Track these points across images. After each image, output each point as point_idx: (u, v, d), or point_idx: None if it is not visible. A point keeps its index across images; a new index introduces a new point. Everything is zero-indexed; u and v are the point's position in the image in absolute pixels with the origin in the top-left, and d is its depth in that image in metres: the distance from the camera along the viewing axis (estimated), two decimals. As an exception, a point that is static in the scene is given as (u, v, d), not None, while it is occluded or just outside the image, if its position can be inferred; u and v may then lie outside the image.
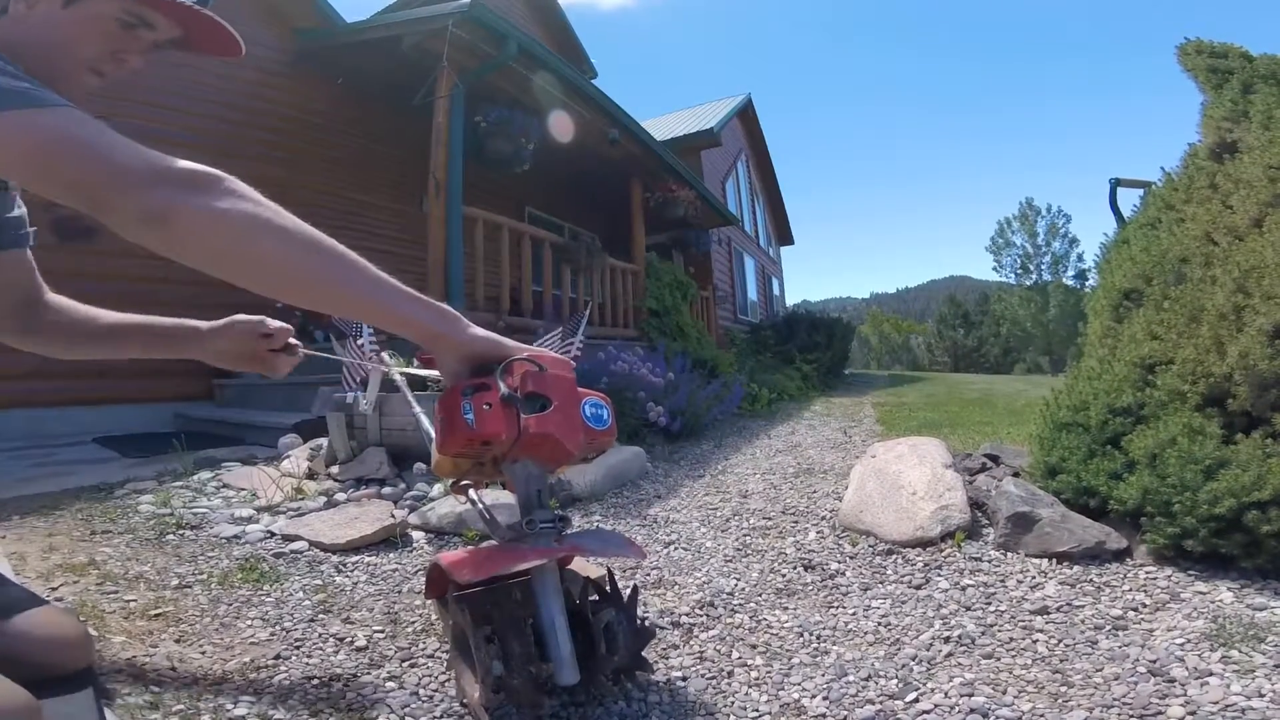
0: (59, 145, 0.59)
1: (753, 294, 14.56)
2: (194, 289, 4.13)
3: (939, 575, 1.48)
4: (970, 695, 0.98)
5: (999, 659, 1.10)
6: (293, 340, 1.11)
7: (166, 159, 0.63)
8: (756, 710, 0.98)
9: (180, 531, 1.86)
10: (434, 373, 1.02)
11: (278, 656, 1.15)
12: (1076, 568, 1.45)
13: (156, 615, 1.29)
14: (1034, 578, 1.42)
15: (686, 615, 1.34)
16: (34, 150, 0.60)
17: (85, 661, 0.97)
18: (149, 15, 0.85)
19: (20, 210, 0.99)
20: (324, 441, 2.64)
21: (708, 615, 1.34)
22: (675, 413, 3.77)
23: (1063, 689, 0.99)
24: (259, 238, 0.66)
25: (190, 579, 1.51)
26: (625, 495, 2.43)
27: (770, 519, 2.04)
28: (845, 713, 0.96)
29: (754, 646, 1.20)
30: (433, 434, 0.97)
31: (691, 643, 1.22)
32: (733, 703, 1.01)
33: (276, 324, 1.08)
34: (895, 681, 1.04)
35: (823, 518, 2.01)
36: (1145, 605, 1.26)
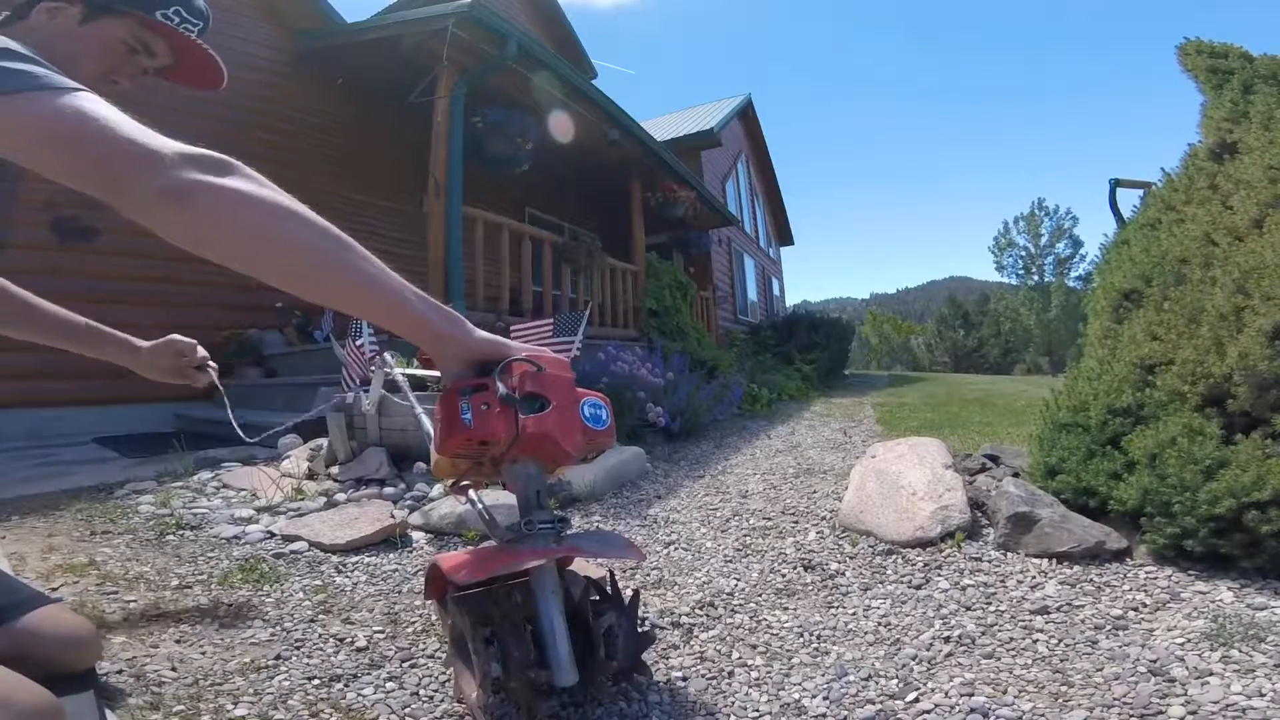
0: (80, 124, 0.59)
1: (753, 294, 14.55)
2: (201, 289, 4.15)
3: (939, 575, 1.48)
4: (970, 695, 0.98)
5: (999, 659, 1.10)
6: (210, 363, 1.29)
7: (185, 144, 0.62)
8: (757, 710, 0.98)
9: (180, 532, 1.86)
10: (435, 373, 1.03)
11: (278, 657, 1.15)
12: (1076, 568, 1.45)
13: (157, 616, 1.29)
14: (1034, 578, 1.42)
15: (687, 615, 1.34)
16: (55, 129, 0.59)
17: (94, 661, 0.98)
18: (153, 42, 0.91)
19: None
20: (324, 442, 2.64)
21: (708, 615, 1.34)
22: (675, 413, 3.77)
23: (1063, 689, 0.99)
24: (282, 221, 0.64)
25: (190, 579, 1.51)
26: (625, 495, 2.43)
27: (770, 519, 2.04)
28: (845, 713, 0.96)
29: (754, 647, 1.20)
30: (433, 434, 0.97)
31: (692, 643, 1.22)
32: (733, 703, 1.01)
33: (188, 341, 1.23)
34: (895, 681, 1.04)
35: (823, 518, 2.01)
36: (1145, 605, 1.26)
